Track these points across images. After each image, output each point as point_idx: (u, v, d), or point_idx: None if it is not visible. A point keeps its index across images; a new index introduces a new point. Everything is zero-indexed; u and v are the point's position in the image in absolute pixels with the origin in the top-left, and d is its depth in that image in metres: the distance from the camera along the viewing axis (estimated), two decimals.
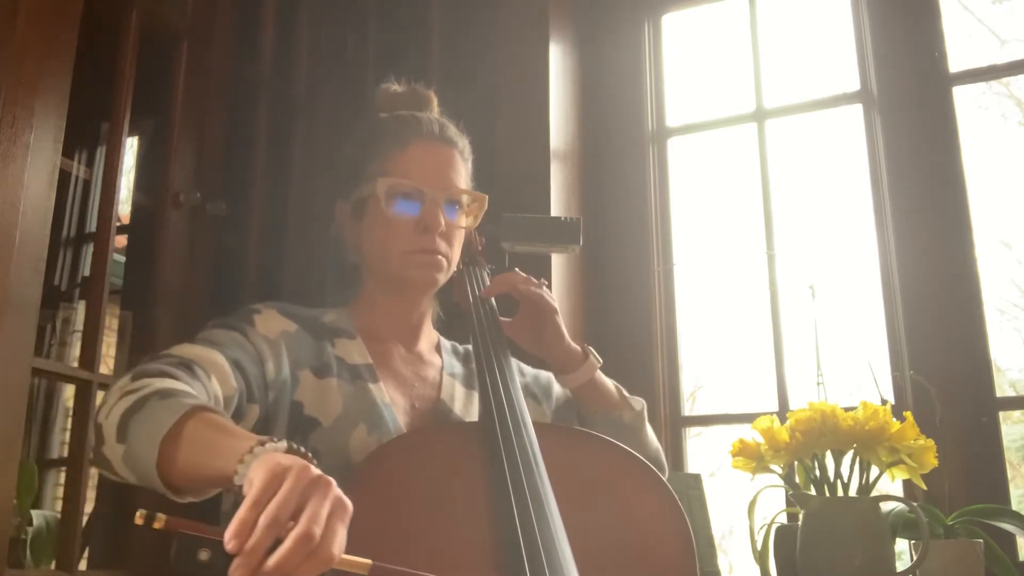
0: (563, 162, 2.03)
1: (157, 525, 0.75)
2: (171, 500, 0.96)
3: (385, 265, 1.28)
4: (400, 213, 1.25)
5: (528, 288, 1.32)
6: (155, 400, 0.95)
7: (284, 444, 0.86)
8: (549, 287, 1.38)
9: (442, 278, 1.29)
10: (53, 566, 1.71)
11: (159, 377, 1.01)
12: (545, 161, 1.95)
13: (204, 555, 0.76)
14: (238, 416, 1.11)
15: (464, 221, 1.31)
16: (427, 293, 1.33)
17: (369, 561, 0.79)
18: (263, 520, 0.74)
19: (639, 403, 1.36)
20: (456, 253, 1.31)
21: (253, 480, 0.78)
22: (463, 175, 1.32)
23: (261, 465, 0.79)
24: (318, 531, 0.74)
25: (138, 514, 0.75)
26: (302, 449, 0.86)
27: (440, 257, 1.26)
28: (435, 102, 1.41)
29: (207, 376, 1.07)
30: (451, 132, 1.33)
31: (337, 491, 0.79)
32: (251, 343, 1.16)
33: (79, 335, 2.12)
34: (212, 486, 0.92)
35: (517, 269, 1.36)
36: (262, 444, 0.84)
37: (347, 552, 0.79)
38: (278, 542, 0.74)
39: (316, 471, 0.79)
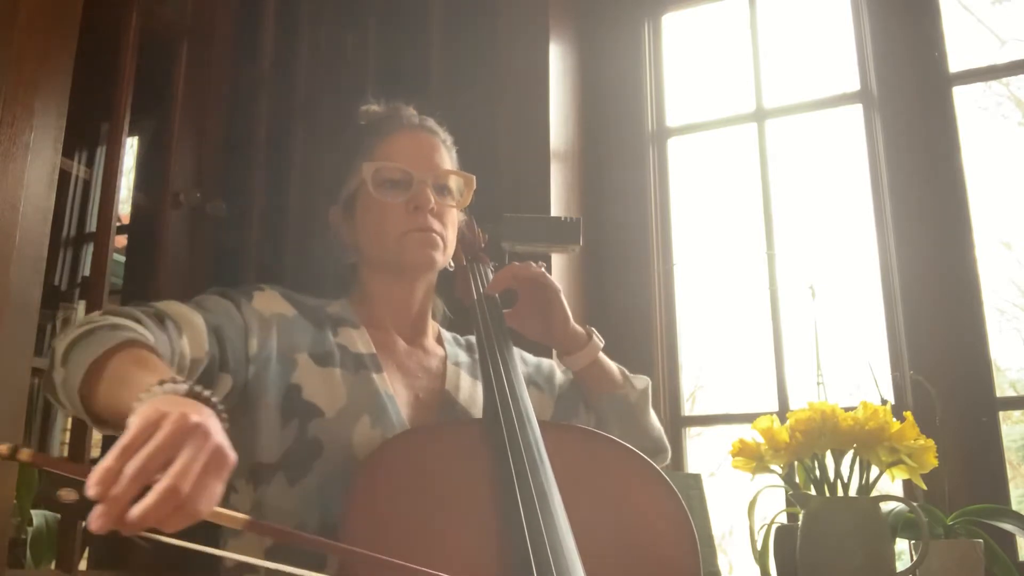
0: (563, 162, 2.02)
1: (21, 457, 0.72)
2: None
3: (382, 250, 1.27)
4: (390, 196, 1.26)
5: (528, 271, 1.31)
6: (102, 332, 0.96)
7: (184, 387, 0.81)
8: None
9: (439, 257, 1.28)
10: (53, 566, 1.71)
11: (122, 317, 1.02)
12: (545, 161, 1.95)
13: (69, 495, 0.72)
14: (208, 382, 1.09)
15: (454, 201, 1.31)
16: (427, 274, 1.31)
17: (245, 516, 0.75)
18: (128, 470, 0.69)
19: (642, 382, 1.38)
20: (451, 234, 1.31)
21: (130, 424, 0.73)
22: (447, 160, 1.33)
23: (142, 408, 0.75)
24: (186, 486, 0.68)
25: (2, 446, 0.73)
26: (205, 393, 0.82)
27: (435, 235, 1.26)
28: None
29: (178, 333, 1.06)
30: (431, 123, 1.35)
31: (216, 441, 0.72)
32: (241, 315, 1.17)
33: None
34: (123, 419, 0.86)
35: (515, 262, 1.35)
36: (161, 384, 0.80)
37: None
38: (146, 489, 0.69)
39: (195, 419, 0.72)
